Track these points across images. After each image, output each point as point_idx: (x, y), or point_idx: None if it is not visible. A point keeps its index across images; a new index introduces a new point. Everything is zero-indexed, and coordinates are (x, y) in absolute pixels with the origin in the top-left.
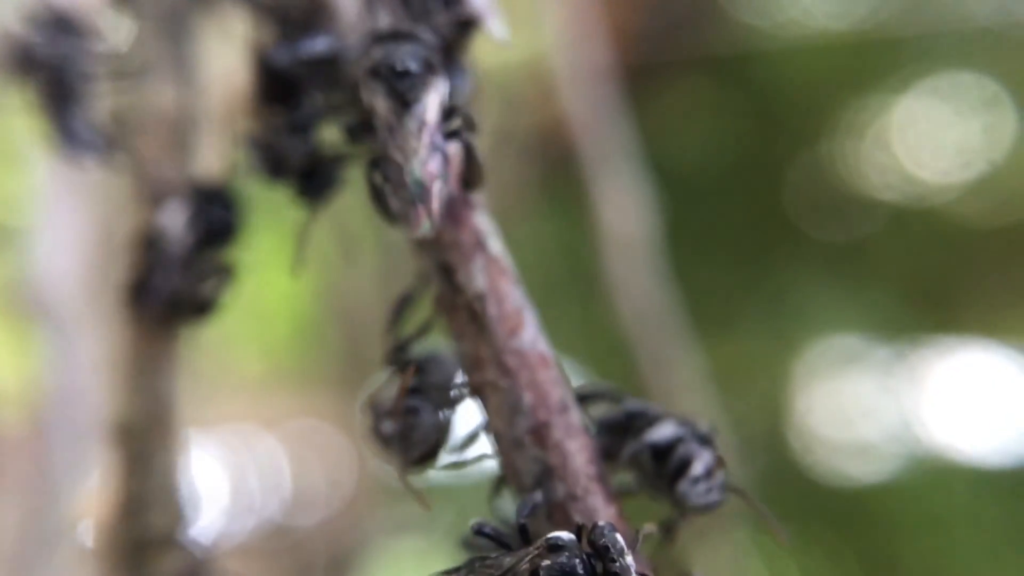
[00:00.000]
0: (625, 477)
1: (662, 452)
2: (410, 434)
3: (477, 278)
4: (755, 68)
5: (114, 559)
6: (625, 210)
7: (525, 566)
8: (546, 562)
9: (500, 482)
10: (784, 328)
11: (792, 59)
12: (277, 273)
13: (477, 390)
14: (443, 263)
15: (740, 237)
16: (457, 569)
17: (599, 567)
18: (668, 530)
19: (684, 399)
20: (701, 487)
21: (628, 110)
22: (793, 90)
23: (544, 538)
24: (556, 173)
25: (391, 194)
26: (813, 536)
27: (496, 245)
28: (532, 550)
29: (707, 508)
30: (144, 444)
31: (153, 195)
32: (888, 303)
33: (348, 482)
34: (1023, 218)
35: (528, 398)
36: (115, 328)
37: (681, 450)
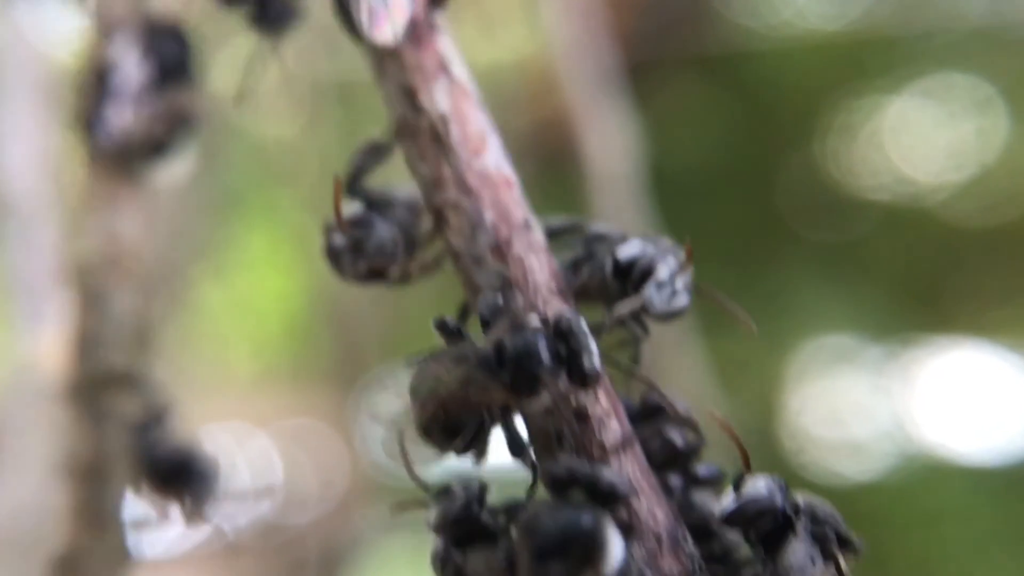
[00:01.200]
0: (586, 290)
1: (626, 267)
2: (362, 245)
3: (440, 100)
4: (748, 68)
5: (70, 397)
6: (625, 208)
7: (486, 346)
8: (509, 338)
9: (464, 310)
10: (777, 328)
11: (785, 60)
12: (269, 272)
13: (437, 211)
14: (405, 85)
15: (733, 237)
16: (416, 361)
17: (562, 350)
18: (632, 345)
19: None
20: (666, 291)
21: (630, 109)
22: (786, 91)
23: (506, 319)
24: (551, 173)
25: (356, 2)
26: None
27: (460, 70)
28: (494, 331)
29: (673, 314)
30: (99, 282)
31: (105, 29)
32: (880, 303)
33: (340, 480)
34: (1014, 219)
35: (490, 216)
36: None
37: (644, 259)
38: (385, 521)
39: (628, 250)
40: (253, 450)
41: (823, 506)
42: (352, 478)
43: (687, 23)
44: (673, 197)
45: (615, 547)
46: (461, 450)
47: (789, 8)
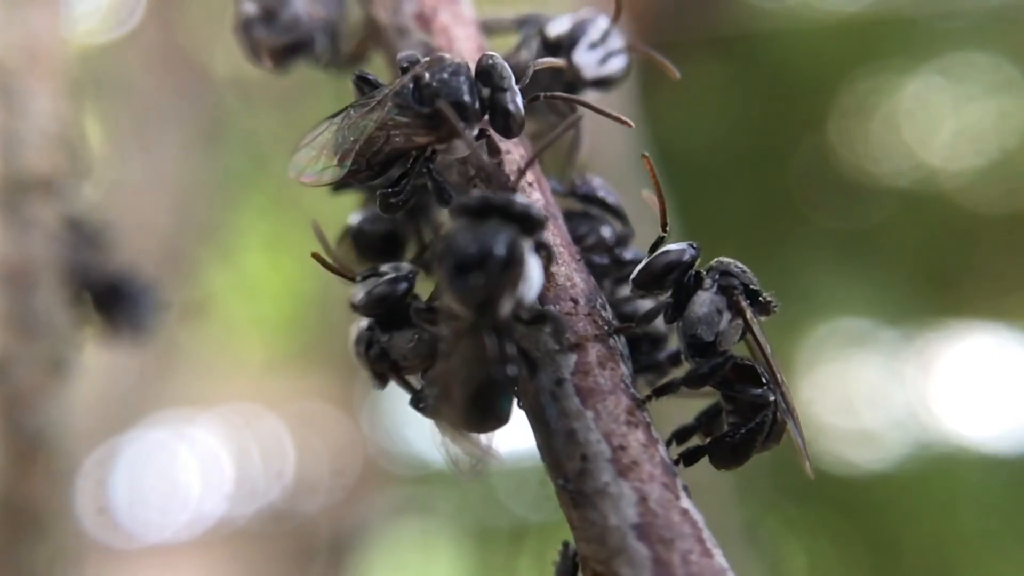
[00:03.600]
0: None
1: (559, 44)
2: (275, 14)
3: None
4: (764, 49)
5: None
6: (631, 190)
7: (405, 81)
8: (428, 72)
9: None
10: (791, 310)
11: (801, 40)
12: (278, 256)
13: None
14: None
15: (748, 218)
16: (336, 113)
17: (485, 93)
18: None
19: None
20: (598, 52)
21: (643, 99)
22: (802, 72)
23: (428, 59)
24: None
25: None
26: (820, 521)
27: None
28: (413, 70)
29: (609, 78)
30: (18, 81)
31: None
32: (895, 287)
33: (349, 465)
34: None
35: None
36: None
37: (574, 29)
38: (394, 506)
39: (558, 26)
40: (263, 432)
41: (737, 264)
42: (361, 462)
43: (703, 4)
44: (688, 179)
45: (533, 269)
46: (389, 192)
47: None
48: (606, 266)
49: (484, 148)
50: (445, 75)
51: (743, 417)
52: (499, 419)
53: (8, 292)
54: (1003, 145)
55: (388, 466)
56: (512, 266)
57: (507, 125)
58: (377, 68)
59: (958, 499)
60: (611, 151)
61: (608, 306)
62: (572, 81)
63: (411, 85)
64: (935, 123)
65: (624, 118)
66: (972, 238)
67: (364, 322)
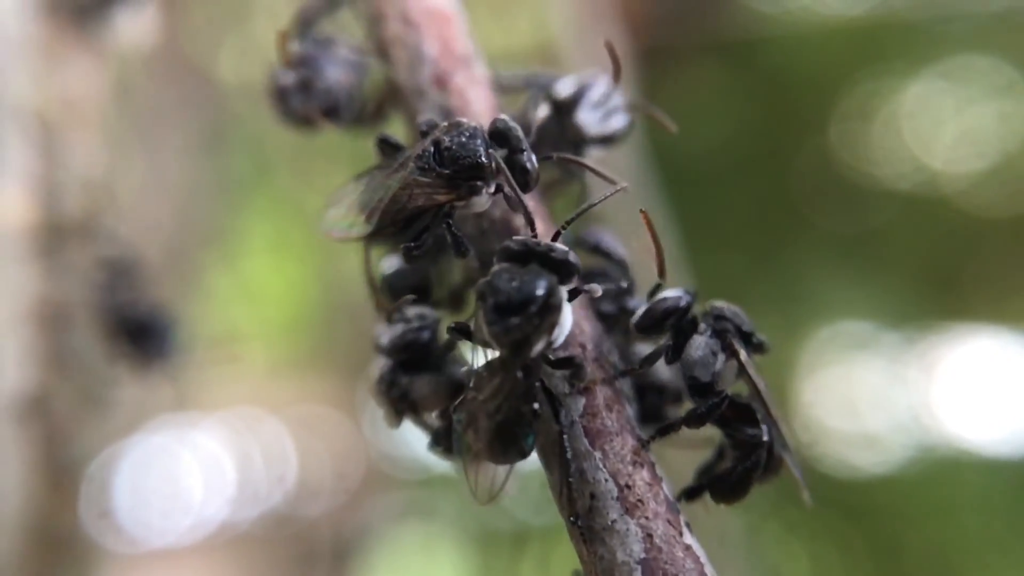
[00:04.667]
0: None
1: (561, 104)
2: (311, 83)
3: None
4: (764, 54)
5: (31, 245)
6: (632, 196)
7: (426, 145)
8: (447, 135)
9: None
10: (793, 314)
11: (802, 45)
12: (280, 260)
13: (381, 47)
14: None
15: (749, 222)
16: (362, 174)
17: (501, 153)
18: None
19: None
20: (599, 112)
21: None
22: (803, 76)
23: (447, 123)
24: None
25: None
26: (822, 525)
27: None
28: (432, 135)
29: (611, 136)
30: (58, 133)
31: None
32: (897, 290)
33: (351, 469)
34: None
35: (432, 49)
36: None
37: (579, 89)
38: (396, 510)
39: (563, 87)
40: (265, 436)
41: (730, 307)
42: (364, 466)
43: (704, 9)
44: (689, 183)
45: (567, 315)
46: (412, 246)
47: None
48: (613, 315)
49: (501, 202)
50: (463, 138)
51: (741, 454)
52: (521, 452)
53: (47, 332)
54: (1004, 148)
55: (390, 470)
56: (550, 311)
57: (525, 182)
58: (396, 128)
59: (961, 503)
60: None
61: (615, 351)
62: (576, 139)
63: (432, 148)
64: (936, 126)
65: (619, 182)
66: (974, 241)
67: (385, 362)
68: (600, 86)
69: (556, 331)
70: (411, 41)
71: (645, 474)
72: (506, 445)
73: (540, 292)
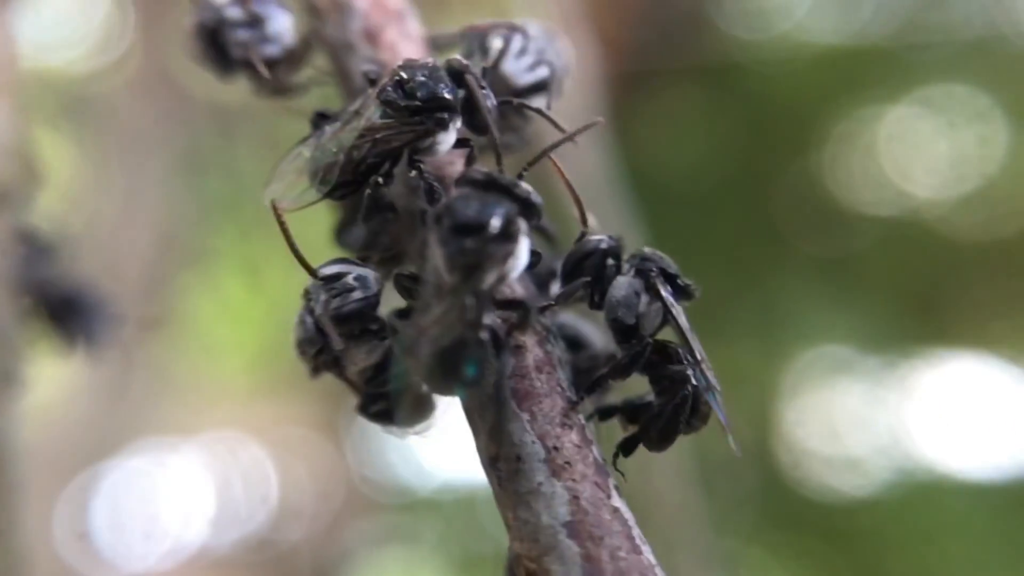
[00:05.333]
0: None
1: (492, 56)
2: (262, 23)
3: None
4: (748, 79)
5: None
6: (608, 219)
7: (385, 83)
8: (408, 71)
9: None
10: (774, 337)
11: (784, 71)
12: (262, 281)
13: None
14: None
15: (729, 247)
16: (306, 138)
17: (461, 95)
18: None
19: None
20: (526, 59)
21: (613, 126)
22: (784, 102)
23: (401, 63)
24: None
25: None
26: (804, 549)
27: None
28: (388, 75)
29: (540, 85)
30: None
31: None
32: (878, 314)
33: (333, 492)
34: (1012, 231)
35: (362, 2)
36: None
37: (507, 41)
38: (378, 535)
39: (496, 40)
40: (246, 459)
41: (655, 251)
42: (345, 490)
43: (685, 34)
44: (670, 207)
45: (523, 250)
46: (379, 183)
47: (787, 21)
48: (547, 282)
49: (465, 155)
50: (426, 71)
51: (667, 395)
52: (461, 381)
53: None
54: (984, 173)
55: (372, 494)
56: (508, 239)
57: (484, 122)
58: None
59: (942, 527)
60: (582, 172)
61: (547, 315)
62: (507, 91)
63: (393, 86)
64: (916, 152)
65: (570, 132)
66: (954, 266)
67: (314, 323)
68: (528, 31)
69: (511, 263)
70: None
71: (574, 436)
72: (447, 371)
73: (500, 217)
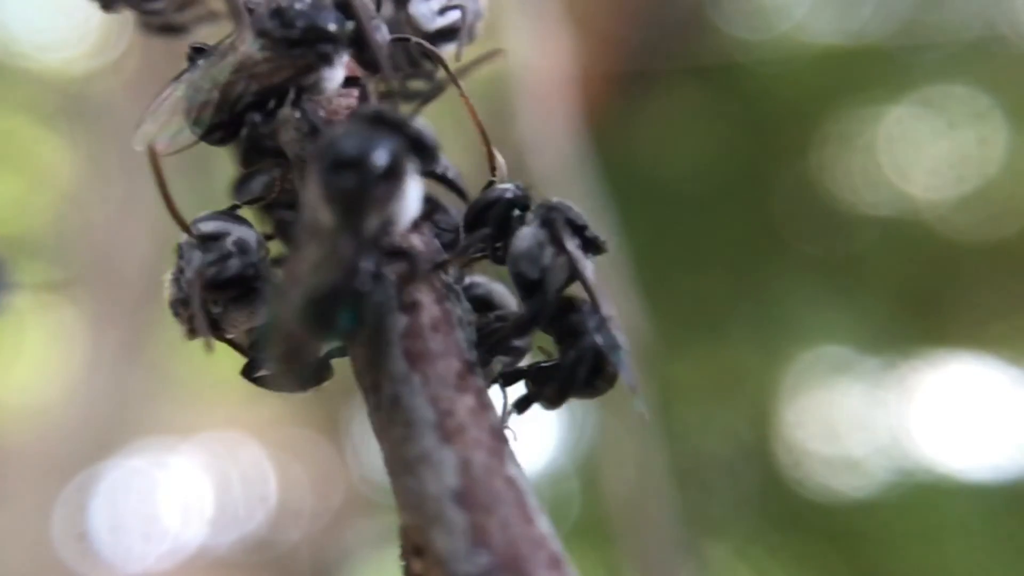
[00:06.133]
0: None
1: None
2: None
3: None
4: (747, 79)
5: None
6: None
7: (262, 13)
8: (279, 4)
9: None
10: (773, 339)
11: (783, 71)
12: None
13: None
14: None
15: (729, 247)
16: (180, 73)
17: (349, 27)
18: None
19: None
20: (435, 2)
21: (590, 139)
22: (783, 102)
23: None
24: None
25: None
26: (803, 550)
27: None
28: (259, 9)
29: (451, 30)
30: None
31: None
32: (878, 314)
33: (333, 493)
34: (1012, 231)
35: None
36: None
37: None
38: (377, 536)
39: None
40: (245, 459)
41: (563, 201)
42: (345, 490)
43: (685, 34)
44: (670, 207)
45: (412, 194)
46: (257, 121)
47: (787, 21)
48: (452, 240)
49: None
50: (306, 1)
51: (565, 347)
52: (334, 329)
53: None
54: (983, 174)
55: (371, 494)
56: (393, 178)
57: (375, 58)
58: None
59: (942, 528)
60: (558, 160)
61: (451, 271)
62: (415, 34)
63: (269, 15)
64: (916, 152)
65: (458, 80)
66: (953, 266)
67: (189, 284)
68: None
69: (396, 206)
70: None
71: (469, 400)
72: (319, 320)
73: (383, 152)
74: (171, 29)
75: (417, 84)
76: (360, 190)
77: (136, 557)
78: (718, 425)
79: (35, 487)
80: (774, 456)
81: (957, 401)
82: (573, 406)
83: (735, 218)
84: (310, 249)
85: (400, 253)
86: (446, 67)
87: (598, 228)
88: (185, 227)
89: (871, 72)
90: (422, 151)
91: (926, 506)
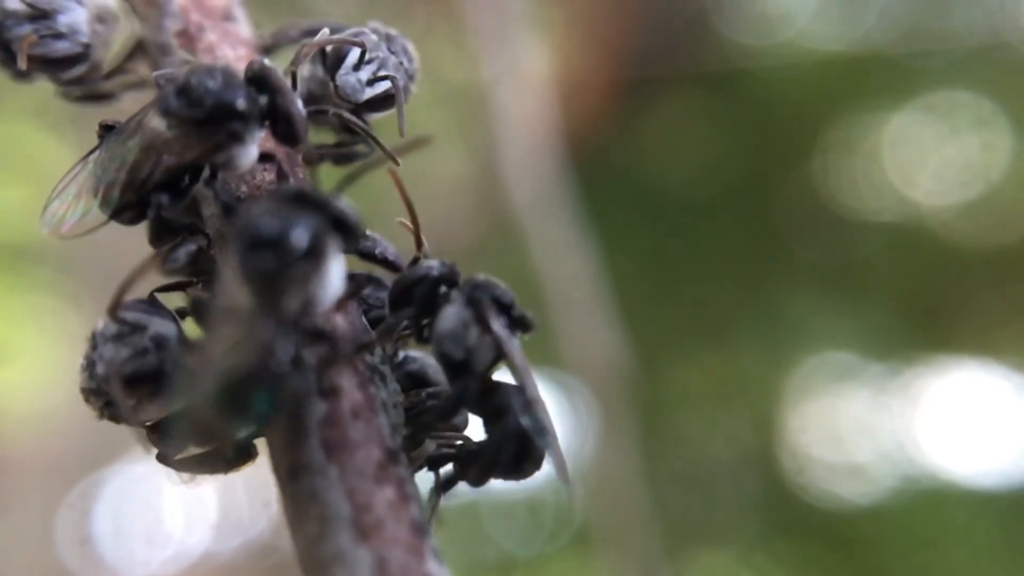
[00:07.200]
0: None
1: (326, 63)
2: (49, 16)
3: None
4: (751, 86)
5: None
6: (567, 263)
7: (168, 91)
8: (194, 76)
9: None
10: (777, 345)
11: (787, 78)
12: None
13: None
14: None
15: (733, 253)
16: (86, 155)
17: (263, 102)
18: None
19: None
20: (363, 73)
21: (588, 149)
22: (788, 108)
23: (190, 66)
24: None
25: None
26: (807, 556)
27: None
28: (178, 74)
29: (379, 100)
30: None
31: None
32: (882, 320)
33: None
34: (1016, 237)
35: (180, 0)
36: None
37: (339, 49)
38: None
39: (329, 45)
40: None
41: (489, 279)
42: None
43: (689, 41)
44: (674, 213)
45: (333, 273)
46: (162, 204)
47: (790, 28)
48: (379, 318)
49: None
50: (214, 76)
51: (490, 429)
52: (248, 415)
53: None
54: (987, 180)
55: None
56: (314, 256)
57: (291, 132)
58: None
59: (946, 535)
60: (532, 187)
61: (380, 354)
62: (344, 103)
63: (175, 93)
64: (919, 158)
65: (393, 153)
66: (958, 273)
67: (101, 374)
68: (367, 39)
69: (317, 286)
70: None
71: (389, 492)
72: (235, 402)
73: (303, 231)
74: (96, 97)
75: (344, 152)
76: (278, 270)
77: (139, 562)
78: (722, 431)
79: (39, 492)
80: (778, 462)
81: (961, 407)
82: (574, 407)
83: (739, 224)
84: (226, 330)
85: (321, 335)
86: (376, 140)
87: (513, 299)
88: (112, 310)
89: (875, 78)
90: (345, 229)
91: (930, 513)
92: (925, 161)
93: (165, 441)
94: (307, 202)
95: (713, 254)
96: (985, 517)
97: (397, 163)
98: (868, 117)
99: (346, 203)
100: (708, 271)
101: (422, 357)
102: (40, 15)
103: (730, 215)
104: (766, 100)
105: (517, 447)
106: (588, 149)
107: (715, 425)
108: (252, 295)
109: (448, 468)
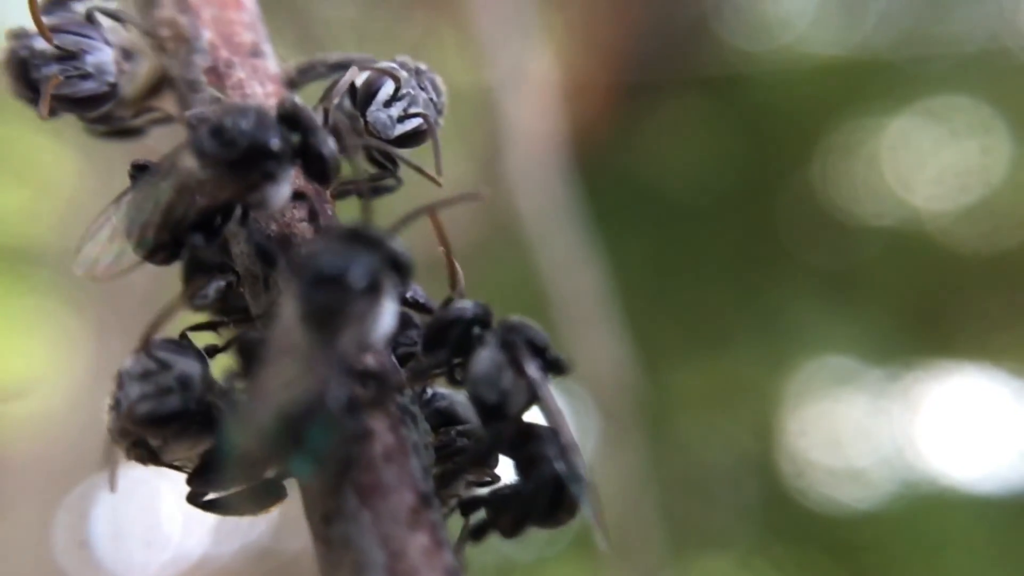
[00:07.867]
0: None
1: (357, 99)
2: (77, 57)
3: None
4: (750, 91)
5: None
6: (569, 266)
7: (201, 132)
8: (228, 117)
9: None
10: (777, 350)
11: (786, 82)
12: None
13: (152, 33)
14: None
15: (733, 257)
16: (118, 197)
17: (295, 139)
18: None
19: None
20: (395, 109)
21: (588, 154)
22: (787, 113)
23: (223, 107)
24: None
25: None
26: (806, 561)
27: None
28: (210, 120)
29: (413, 136)
30: None
31: None
32: (881, 325)
33: None
34: (1015, 242)
35: (208, 36)
36: None
37: (374, 84)
38: None
39: (360, 81)
40: None
41: (523, 321)
42: None
43: (688, 46)
44: (673, 218)
45: (387, 313)
46: (199, 247)
47: (790, 33)
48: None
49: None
50: (247, 117)
51: (524, 476)
52: (305, 450)
53: None
54: (986, 184)
55: None
56: (372, 294)
57: (324, 170)
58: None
59: (946, 540)
60: (541, 200)
61: (410, 394)
62: (376, 139)
63: (208, 134)
64: (918, 163)
65: (435, 176)
66: (956, 277)
67: (127, 414)
68: (391, 83)
69: (371, 325)
70: (185, 25)
71: (423, 538)
72: (289, 437)
73: (365, 268)
74: (124, 133)
75: (373, 186)
76: (339, 306)
77: (138, 566)
78: (721, 436)
79: (37, 495)
80: (777, 467)
81: (960, 412)
82: (575, 408)
83: (738, 229)
84: (282, 366)
85: (370, 375)
86: (426, 174)
87: (547, 341)
88: (144, 344)
89: (874, 83)
90: (399, 269)
91: (930, 518)
92: (924, 166)
93: (202, 480)
94: (364, 241)
95: (713, 258)
96: (984, 522)
97: (446, 197)
98: (867, 122)
99: (400, 243)
100: (707, 275)
101: (450, 394)
102: (68, 56)
103: (730, 219)
104: (766, 105)
105: (552, 495)
106: (588, 153)
107: (714, 429)
108: (309, 332)
109: (479, 514)
